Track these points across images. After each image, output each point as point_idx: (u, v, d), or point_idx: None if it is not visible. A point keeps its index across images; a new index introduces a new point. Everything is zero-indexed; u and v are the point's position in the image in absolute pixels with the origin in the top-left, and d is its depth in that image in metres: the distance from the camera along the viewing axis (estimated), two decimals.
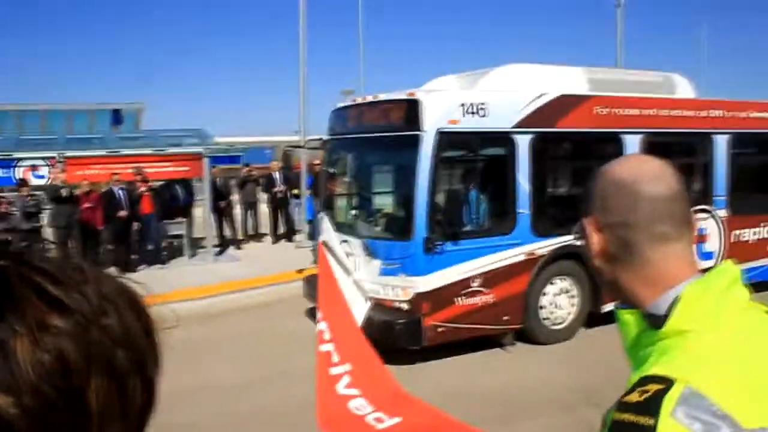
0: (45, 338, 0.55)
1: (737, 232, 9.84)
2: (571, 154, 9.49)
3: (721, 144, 9.65)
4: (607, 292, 1.26)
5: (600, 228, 1.21)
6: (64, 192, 12.05)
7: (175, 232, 13.97)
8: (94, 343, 0.58)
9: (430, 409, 5.15)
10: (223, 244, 15.24)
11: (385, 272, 7.72)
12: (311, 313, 9.53)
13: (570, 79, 8.95)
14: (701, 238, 9.27)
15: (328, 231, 7.04)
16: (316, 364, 5.32)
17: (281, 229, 16.48)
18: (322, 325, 5.38)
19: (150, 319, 0.65)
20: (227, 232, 15.53)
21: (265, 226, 16.83)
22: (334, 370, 5.32)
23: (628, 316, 1.17)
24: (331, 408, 5.30)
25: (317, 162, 12.49)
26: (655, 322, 1.10)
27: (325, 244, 6.15)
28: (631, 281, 1.18)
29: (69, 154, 12.44)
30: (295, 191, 16.06)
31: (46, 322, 0.56)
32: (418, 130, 7.40)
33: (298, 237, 15.95)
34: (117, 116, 27.26)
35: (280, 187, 16.04)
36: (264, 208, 16.75)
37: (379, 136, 8.25)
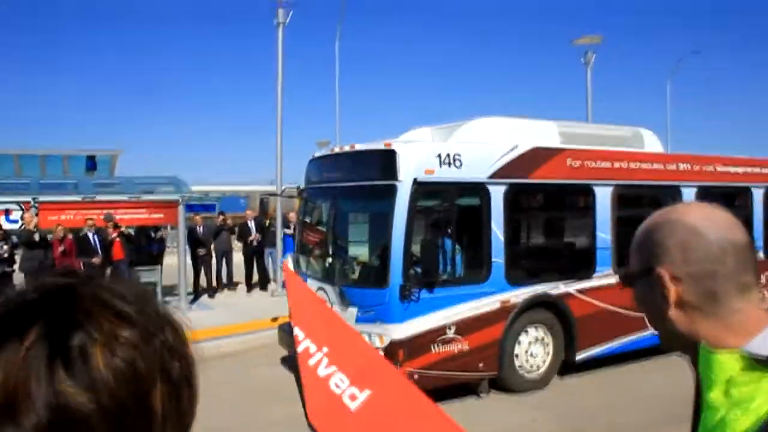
0: (118, 347, 0.63)
1: None
2: (544, 204, 9.69)
3: (689, 196, 9.91)
4: (669, 341, 1.25)
5: (678, 278, 1.19)
6: (36, 237, 11.94)
7: (148, 279, 13.83)
8: (156, 353, 0.66)
9: (402, 380, 5.30)
10: (197, 293, 15.14)
11: (361, 320, 7.72)
12: (287, 362, 9.47)
13: (542, 132, 9.19)
14: None
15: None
16: (298, 364, 5.54)
17: (255, 278, 16.42)
18: (296, 330, 5.65)
19: (189, 339, 0.75)
20: (202, 280, 15.44)
21: (238, 275, 16.74)
22: (313, 360, 5.48)
23: (726, 357, 1.14)
24: (316, 396, 5.47)
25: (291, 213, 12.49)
26: (762, 362, 1.10)
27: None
28: (714, 330, 1.17)
29: (43, 198, 12.36)
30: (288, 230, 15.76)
31: (117, 332, 0.64)
32: (395, 179, 7.52)
33: (272, 285, 15.89)
34: (91, 162, 27.14)
35: (254, 236, 16.05)
36: (238, 257, 16.69)
37: (355, 185, 8.37)
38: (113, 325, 0.64)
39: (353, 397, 5.31)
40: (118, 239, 12.72)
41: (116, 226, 12.74)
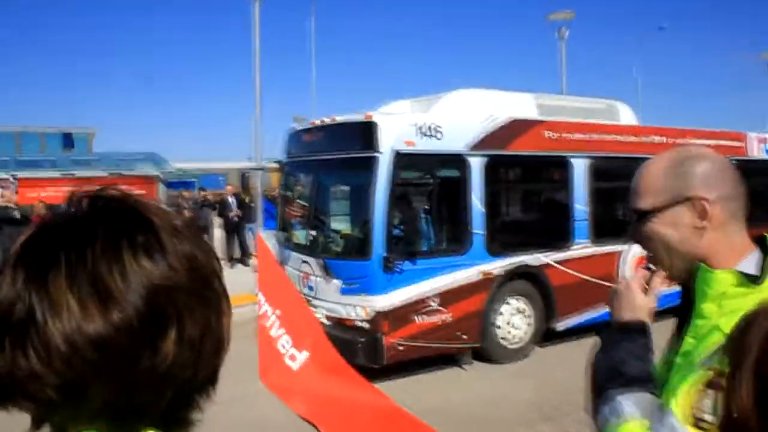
0: (178, 237, 0.72)
1: None
2: (523, 176, 9.81)
3: None
4: (680, 271, 1.41)
5: (713, 202, 1.34)
6: (17, 214, 11.86)
7: None
8: (206, 248, 0.76)
9: (331, 348, 6.12)
10: None
11: (344, 291, 7.82)
12: None
13: (520, 104, 9.28)
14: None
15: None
16: (257, 323, 6.16)
17: (237, 253, 16.45)
18: (259, 294, 6.38)
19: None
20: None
21: (218, 250, 16.75)
22: (268, 322, 6.24)
23: (723, 275, 1.30)
24: (266, 355, 6.28)
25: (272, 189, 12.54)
26: (750, 279, 1.27)
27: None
28: (718, 245, 1.34)
29: (22, 175, 12.27)
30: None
31: (176, 227, 0.73)
32: (376, 151, 7.57)
33: (253, 261, 15.90)
34: (68, 139, 26.84)
35: (235, 212, 16.06)
36: (218, 232, 16.69)
37: (336, 158, 8.41)
38: (172, 221, 0.73)
39: (293, 358, 6.17)
40: None
41: None
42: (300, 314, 6.69)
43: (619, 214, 10.95)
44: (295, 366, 6.37)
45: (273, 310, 6.53)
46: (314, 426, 6.01)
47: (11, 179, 12.06)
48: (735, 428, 0.64)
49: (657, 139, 10.09)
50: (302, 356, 6.34)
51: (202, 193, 16.37)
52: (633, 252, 9.68)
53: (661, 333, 1.51)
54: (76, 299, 0.64)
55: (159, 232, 0.70)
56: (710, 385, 1.01)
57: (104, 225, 0.69)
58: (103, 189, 0.76)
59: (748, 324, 0.70)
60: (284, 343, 6.29)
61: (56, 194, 11.97)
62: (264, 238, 7.27)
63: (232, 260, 16.34)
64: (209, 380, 0.76)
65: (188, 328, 0.69)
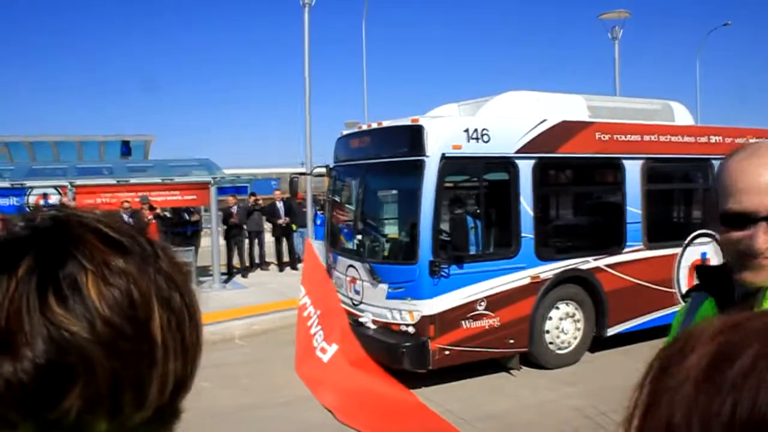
0: (111, 275, 0.62)
1: None
2: (573, 178, 9.63)
3: None
4: None
5: None
6: None
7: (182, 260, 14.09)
8: (152, 281, 0.66)
9: (360, 349, 6.85)
10: (231, 273, 15.41)
11: (391, 296, 7.81)
12: None
13: (570, 106, 9.11)
14: (704, 262, 9.37)
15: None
16: (297, 314, 6.83)
17: (285, 258, 16.63)
18: (302, 288, 7.19)
19: (190, 276, 0.75)
20: (235, 260, 15.73)
21: (270, 255, 16.97)
22: (306, 313, 6.98)
23: None
24: (302, 347, 7.03)
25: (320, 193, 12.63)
26: None
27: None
28: None
29: (79, 182, 12.64)
30: (293, 225, 16.38)
31: (109, 261, 0.63)
32: (423, 155, 7.54)
33: (301, 265, 16.05)
34: (126, 147, 27.58)
35: (283, 219, 16.23)
36: (269, 237, 16.93)
37: (383, 162, 8.40)
38: (105, 253, 0.64)
39: (324, 351, 6.78)
40: (153, 221, 12.95)
41: (151, 208, 12.98)
42: (333, 310, 7.17)
43: (674, 216, 10.66)
44: (325, 358, 6.89)
45: (314, 308, 7.15)
46: (334, 415, 6.55)
47: (69, 186, 12.43)
48: None
49: (714, 139, 9.78)
50: (332, 349, 6.84)
51: (252, 198, 16.56)
52: (689, 256, 9.41)
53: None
54: None
55: (86, 276, 0.62)
56: None
57: (28, 259, 0.62)
58: (62, 207, 0.69)
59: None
60: (318, 337, 6.89)
61: (111, 201, 12.31)
62: (313, 243, 8.02)
63: (281, 264, 16.52)
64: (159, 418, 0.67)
65: (100, 385, 0.61)
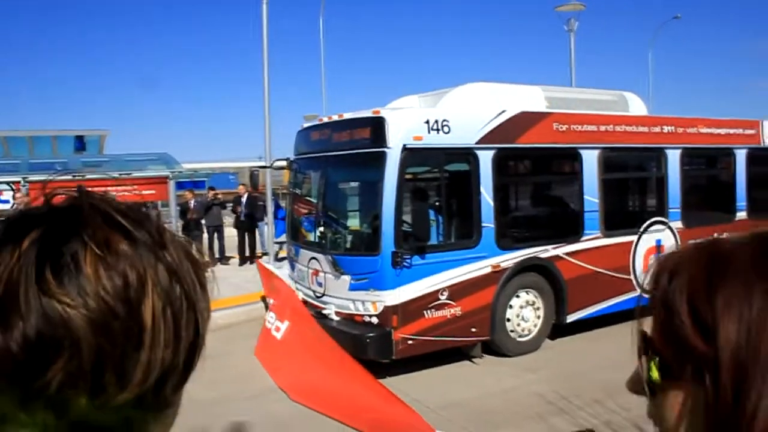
0: (110, 256, 0.65)
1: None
2: (532, 168, 9.79)
3: (674, 158, 10.02)
4: None
5: None
6: None
7: None
8: (152, 269, 0.67)
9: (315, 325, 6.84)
10: None
11: (354, 287, 7.83)
12: None
13: (528, 97, 9.24)
14: (659, 249, 9.61)
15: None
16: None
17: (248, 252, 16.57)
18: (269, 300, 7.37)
19: (203, 272, 0.76)
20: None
21: (230, 249, 16.86)
22: (269, 316, 6.87)
23: None
24: (262, 335, 6.92)
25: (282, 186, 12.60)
26: None
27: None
28: None
29: (33, 178, 12.37)
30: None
31: (112, 243, 0.65)
32: (384, 146, 7.57)
33: (264, 259, 15.98)
34: (80, 142, 27.05)
35: (239, 209, 16.17)
36: (228, 231, 16.81)
37: (345, 154, 8.40)
38: (109, 236, 0.66)
39: (278, 329, 6.80)
40: None
41: None
42: (284, 293, 7.39)
43: (630, 204, 10.91)
44: (279, 336, 6.98)
45: (275, 313, 7.31)
46: (288, 395, 6.33)
47: (22, 182, 12.16)
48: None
49: (667, 129, 10.02)
50: (284, 326, 6.95)
51: (211, 192, 16.41)
52: (645, 243, 9.63)
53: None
54: None
55: (83, 255, 0.64)
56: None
57: (41, 230, 0.65)
58: (80, 189, 0.72)
59: (659, 264, 0.70)
60: (270, 318, 7.06)
61: (68, 196, 12.05)
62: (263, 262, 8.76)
63: (243, 258, 16.43)
64: (145, 402, 0.68)
65: (83, 360, 0.62)
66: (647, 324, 0.70)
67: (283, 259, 13.77)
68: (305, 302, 8.73)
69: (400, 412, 6.34)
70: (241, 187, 17.44)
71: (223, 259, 16.53)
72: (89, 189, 0.73)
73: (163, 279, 0.68)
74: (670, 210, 10.00)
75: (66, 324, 0.61)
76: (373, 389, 6.72)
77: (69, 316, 0.61)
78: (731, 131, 10.82)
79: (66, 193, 0.71)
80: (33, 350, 0.61)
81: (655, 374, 0.67)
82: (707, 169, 11.59)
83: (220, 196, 16.74)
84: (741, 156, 10.84)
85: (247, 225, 16.44)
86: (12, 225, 0.66)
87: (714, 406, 0.61)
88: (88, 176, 13.08)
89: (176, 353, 0.69)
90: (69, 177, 13.16)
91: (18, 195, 12.15)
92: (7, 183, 12.36)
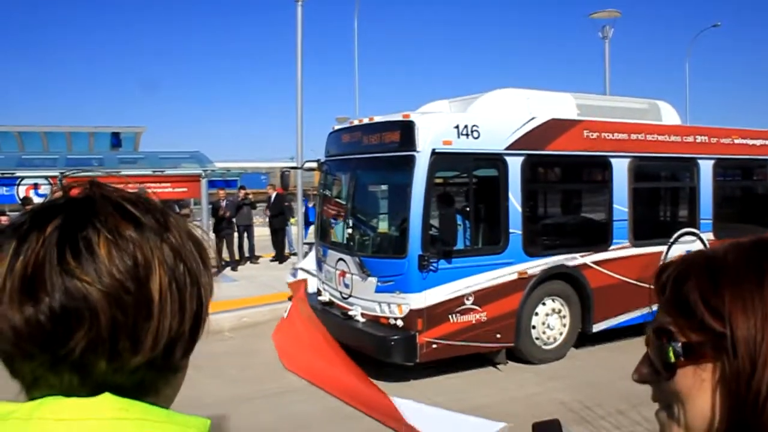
0: (121, 240, 0.75)
1: None
2: (561, 176, 9.74)
3: (706, 169, 9.91)
4: None
5: None
6: None
7: None
8: (158, 250, 0.78)
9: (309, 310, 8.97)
10: (221, 266, 15.46)
11: (380, 289, 7.88)
12: None
13: (559, 104, 9.20)
14: None
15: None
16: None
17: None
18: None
19: (205, 251, 0.86)
20: (225, 253, 15.77)
21: (260, 249, 17.06)
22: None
23: None
24: (279, 322, 9.22)
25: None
26: None
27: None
28: None
29: (69, 173, 12.64)
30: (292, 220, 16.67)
31: (121, 229, 0.76)
32: (413, 150, 7.61)
33: (293, 259, 16.15)
34: (116, 138, 27.55)
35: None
36: (259, 231, 17.05)
37: (374, 157, 8.46)
38: (119, 223, 0.76)
39: (285, 311, 9.03)
40: None
41: None
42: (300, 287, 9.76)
43: (660, 214, 10.80)
44: (285, 314, 9.17)
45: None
46: (282, 364, 8.49)
47: (60, 177, 12.42)
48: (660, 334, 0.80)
49: (700, 139, 9.91)
50: (289, 305, 9.20)
51: (242, 191, 16.60)
52: (674, 253, 9.52)
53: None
54: (8, 289, 0.72)
55: (99, 239, 0.75)
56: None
57: (61, 218, 0.75)
58: (94, 183, 0.82)
59: (659, 272, 0.85)
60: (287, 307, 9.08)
61: (83, 188, 12.30)
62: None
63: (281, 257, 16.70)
64: (155, 366, 0.79)
65: (101, 329, 0.73)
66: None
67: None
68: (331, 302, 8.86)
69: (374, 392, 7.03)
70: (268, 187, 17.66)
71: (253, 257, 16.72)
72: (101, 182, 0.84)
73: (168, 258, 0.79)
74: (702, 221, 9.89)
75: (85, 298, 0.72)
76: (352, 370, 7.55)
77: (87, 292, 0.72)
78: (766, 142, 10.66)
79: (81, 186, 0.81)
80: (58, 321, 0.72)
81: (672, 358, 0.78)
82: (741, 180, 11.43)
83: (250, 195, 16.94)
84: None
85: (277, 224, 16.62)
86: (36, 215, 0.77)
87: (735, 377, 0.74)
88: (123, 172, 13.36)
89: (182, 322, 0.79)
90: (105, 173, 13.46)
91: (55, 189, 12.43)
92: (45, 177, 12.65)
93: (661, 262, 0.88)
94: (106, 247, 0.74)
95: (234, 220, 15.95)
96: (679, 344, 0.78)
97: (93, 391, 0.75)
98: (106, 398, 0.75)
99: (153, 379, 0.80)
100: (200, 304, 0.83)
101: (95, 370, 0.75)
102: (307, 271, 10.86)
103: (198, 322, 0.83)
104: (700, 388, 0.77)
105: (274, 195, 16.86)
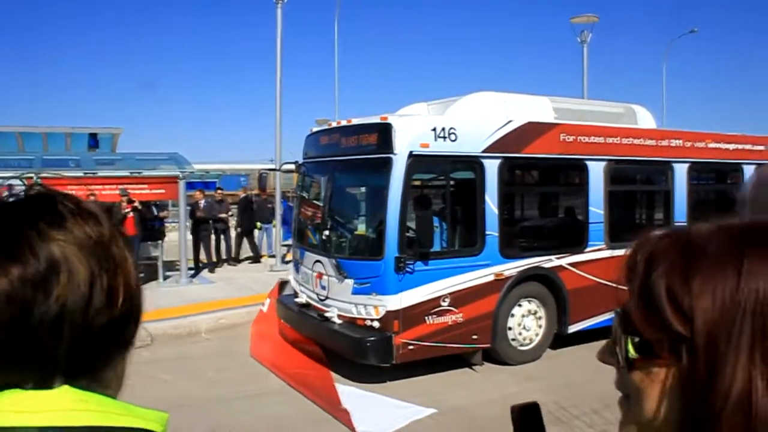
0: (81, 214, 0.84)
1: None
2: (538, 178, 9.83)
3: (681, 172, 10.03)
4: None
5: None
6: None
7: (151, 254, 14.04)
8: (113, 226, 0.88)
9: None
10: (198, 267, 15.37)
11: (356, 291, 7.89)
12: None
13: (536, 108, 9.27)
14: None
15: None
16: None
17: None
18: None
19: (133, 257, 0.93)
20: (202, 255, 15.70)
21: (245, 251, 17.04)
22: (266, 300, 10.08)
23: None
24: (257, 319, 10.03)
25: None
26: None
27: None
28: None
29: (45, 174, 12.51)
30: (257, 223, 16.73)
31: (81, 206, 0.85)
32: (391, 152, 7.63)
33: (270, 261, 16.12)
34: (93, 139, 27.31)
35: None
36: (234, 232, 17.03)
37: (352, 159, 8.47)
38: (78, 203, 0.86)
39: (264, 304, 9.83)
40: (131, 214, 12.79)
41: (130, 201, 12.80)
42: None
43: (635, 217, 10.92)
44: (264, 309, 9.94)
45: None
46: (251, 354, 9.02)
47: (35, 178, 12.28)
48: (624, 321, 0.74)
49: (675, 142, 10.03)
50: (267, 301, 9.97)
51: (219, 192, 16.55)
52: None
53: None
54: None
55: (60, 207, 0.83)
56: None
57: (19, 207, 0.83)
58: (33, 186, 0.90)
59: (634, 249, 0.77)
60: (266, 302, 9.68)
61: (78, 192, 12.17)
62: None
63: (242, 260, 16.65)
64: (116, 332, 0.85)
65: (76, 276, 0.79)
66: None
67: (289, 262, 13.84)
68: (308, 304, 8.86)
69: (323, 380, 7.77)
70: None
71: (230, 260, 16.65)
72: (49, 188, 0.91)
73: (120, 235, 0.89)
74: (676, 223, 10.01)
75: (63, 254, 0.79)
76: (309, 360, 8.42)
77: (64, 249, 0.79)
78: (740, 147, 10.81)
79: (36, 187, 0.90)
80: (44, 275, 0.77)
81: (632, 352, 0.73)
82: (715, 183, 11.58)
83: (228, 198, 16.89)
84: (750, 171, 10.81)
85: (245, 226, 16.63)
86: (9, 202, 0.85)
87: (689, 383, 0.67)
88: (100, 174, 13.25)
89: (110, 317, 0.84)
90: (82, 174, 13.35)
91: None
92: (20, 177, 12.49)
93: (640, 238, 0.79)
94: (75, 220, 0.83)
95: (211, 221, 15.90)
96: (638, 339, 0.72)
97: (50, 380, 0.79)
98: (65, 390, 0.78)
99: (106, 359, 0.85)
100: (131, 309, 0.88)
101: (74, 320, 0.79)
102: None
103: (130, 327, 0.89)
104: (652, 387, 0.72)
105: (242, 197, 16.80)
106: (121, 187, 12.86)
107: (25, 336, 0.77)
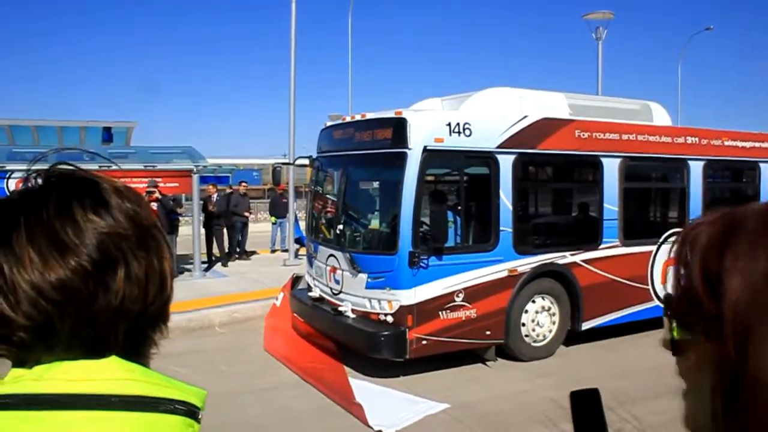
0: (125, 197, 0.87)
1: None
2: (552, 174, 9.79)
3: (697, 170, 9.97)
4: None
5: None
6: None
7: None
8: (149, 207, 0.91)
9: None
10: (211, 261, 15.43)
11: (370, 285, 7.90)
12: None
13: (551, 104, 9.24)
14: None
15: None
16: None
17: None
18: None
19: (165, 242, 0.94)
20: (215, 249, 15.76)
21: (251, 245, 17.07)
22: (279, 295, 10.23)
23: None
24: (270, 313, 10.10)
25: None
26: None
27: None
28: None
29: (60, 167, 12.54)
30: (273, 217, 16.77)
31: (120, 189, 0.87)
32: (405, 147, 7.63)
33: (284, 255, 16.16)
34: (107, 133, 27.46)
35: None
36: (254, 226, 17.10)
37: (366, 153, 8.47)
38: (116, 185, 0.88)
39: (277, 298, 9.91)
40: (155, 207, 12.63)
41: (152, 193, 12.73)
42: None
43: (650, 214, 10.87)
44: (278, 303, 10.10)
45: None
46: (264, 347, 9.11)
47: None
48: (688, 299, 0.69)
49: (691, 140, 9.97)
50: (280, 296, 10.07)
51: (244, 185, 16.63)
52: (663, 253, 9.59)
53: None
54: (37, 252, 0.78)
55: (103, 192, 0.84)
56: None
57: (56, 192, 0.83)
58: (54, 166, 0.90)
59: (686, 229, 0.75)
60: (279, 296, 9.90)
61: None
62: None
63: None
64: (159, 316, 0.88)
65: (134, 269, 0.82)
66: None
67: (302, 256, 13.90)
68: (322, 298, 8.88)
69: (336, 375, 7.82)
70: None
71: (243, 254, 16.70)
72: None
73: (153, 215, 0.92)
74: (692, 221, 9.92)
75: (113, 241, 0.81)
76: (324, 356, 8.43)
77: (113, 233, 0.82)
78: (757, 144, 10.74)
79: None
80: (99, 265, 0.79)
81: (676, 333, 0.72)
82: (730, 181, 11.51)
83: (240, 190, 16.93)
84: (766, 169, 10.76)
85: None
86: (33, 191, 0.87)
87: (720, 366, 0.64)
88: (114, 167, 13.27)
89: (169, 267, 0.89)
90: (96, 167, 13.35)
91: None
92: (36, 171, 12.55)
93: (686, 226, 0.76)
94: (117, 201, 0.85)
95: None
96: (680, 321, 0.71)
97: (100, 352, 0.82)
98: (112, 360, 0.81)
99: (147, 336, 0.88)
100: (163, 283, 0.90)
101: (133, 310, 0.82)
102: None
103: (164, 295, 0.90)
104: (692, 371, 0.70)
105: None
106: (150, 179, 12.90)
107: (82, 324, 0.79)
